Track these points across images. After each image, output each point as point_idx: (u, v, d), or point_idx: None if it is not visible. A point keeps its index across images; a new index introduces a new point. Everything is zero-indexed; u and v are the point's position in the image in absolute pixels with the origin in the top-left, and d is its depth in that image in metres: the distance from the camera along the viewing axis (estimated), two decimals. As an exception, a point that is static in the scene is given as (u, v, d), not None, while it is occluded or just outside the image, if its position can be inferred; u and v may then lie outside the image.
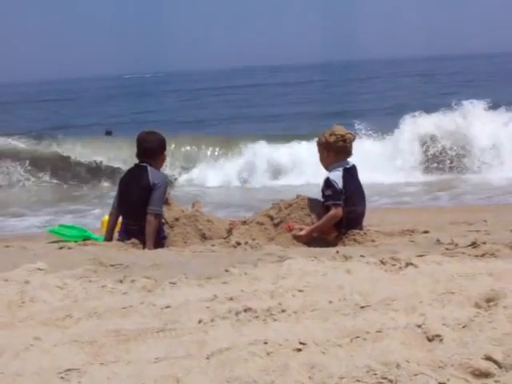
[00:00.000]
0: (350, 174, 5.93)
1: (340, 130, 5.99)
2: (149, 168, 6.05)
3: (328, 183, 5.81)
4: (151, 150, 6.16)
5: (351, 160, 6.03)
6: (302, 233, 5.71)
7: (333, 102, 35.68)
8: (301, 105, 34.85)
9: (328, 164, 6.02)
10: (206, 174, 16.06)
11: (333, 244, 5.63)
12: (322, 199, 5.94)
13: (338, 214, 5.72)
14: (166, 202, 6.23)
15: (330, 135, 5.94)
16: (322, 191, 5.90)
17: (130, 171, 6.32)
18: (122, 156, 16.37)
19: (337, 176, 5.82)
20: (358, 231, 5.76)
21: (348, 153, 5.97)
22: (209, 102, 42.92)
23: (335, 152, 5.93)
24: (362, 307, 3.12)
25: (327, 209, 5.80)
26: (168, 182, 6.30)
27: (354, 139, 6.02)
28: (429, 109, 16.57)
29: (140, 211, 5.93)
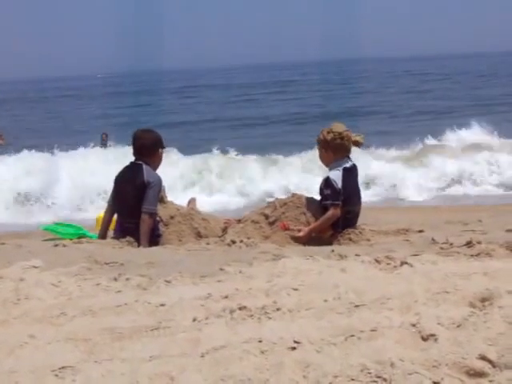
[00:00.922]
0: (350, 173, 5.91)
1: (338, 127, 5.95)
2: (144, 166, 6.04)
3: (328, 182, 5.79)
4: (146, 146, 6.15)
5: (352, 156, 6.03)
6: (301, 234, 5.71)
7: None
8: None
9: (328, 162, 6.00)
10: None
11: (328, 243, 5.64)
12: (319, 197, 5.94)
13: (336, 215, 5.71)
14: (161, 200, 6.23)
15: (328, 133, 5.91)
16: (321, 190, 5.89)
17: (125, 169, 6.31)
18: None
19: (337, 175, 5.80)
20: (353, 230, 5.76)
21: (347, 150, 5.93)
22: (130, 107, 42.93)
23: (333, 150, 5.90)
24: (357, 306, 3.12)
25: (325, 208, 5.79)
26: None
27: (361, 145, 6.00)
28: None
29: (135, 209, 5.92)
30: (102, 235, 6.26)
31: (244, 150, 18.28)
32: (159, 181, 6.08)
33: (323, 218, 5.74)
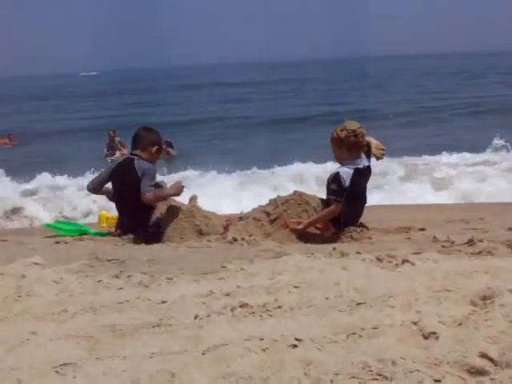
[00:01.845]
0: (361, 175, 5.89)
1: (351, 124, 5.94)
2: (136, 161, 6.05)
3: (336, 178, 5.78)
4: (141, 137, 6.18)
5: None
6: (299, 226, 5.72)
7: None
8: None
9: (341, 160, 5.97)
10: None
11: (330, 241, 5.63)
12: (325, 190, 5.94)
13: (336, 211, 5.72)
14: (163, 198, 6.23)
15: (342, 130, 5.89)
16: (328, 183, 5.88)
17: (119, 164, 6.31)
18: None
19: (347, 173, 5.78)
20: (354, 228, 5.76)
21: (361, 147, 5.90)
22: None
23: (347, 147, 5.87)
24: (358, 304, 3.12)
25: (328, 201, 5.80)
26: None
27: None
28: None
29: (134, 205, 5.94)
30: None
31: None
32: (151, 167, 6.08)
33: (323, 212, 5.77)
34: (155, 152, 6.26)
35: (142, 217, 6.01)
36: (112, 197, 6.37)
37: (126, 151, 20.01)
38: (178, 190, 6.21)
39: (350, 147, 5.86)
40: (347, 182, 5.74)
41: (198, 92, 53.67)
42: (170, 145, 19.73)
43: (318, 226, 5.84)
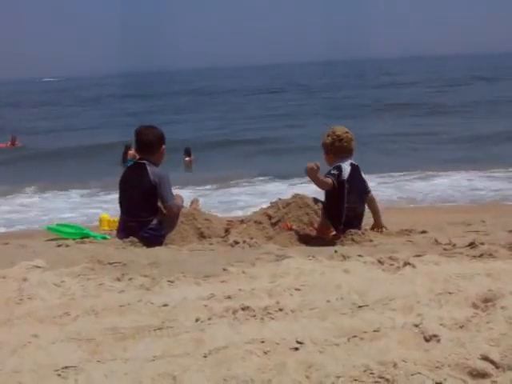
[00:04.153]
0: (355, 170, 5.96)
1: (338, 130, 6.03)
2: (147, 166, 6.04)
3: (338, 166, 5.87)
4: (149, 142, 6.15)
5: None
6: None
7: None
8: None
9: (330, 164, 6.03)
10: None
11: (331, 243, 5.64)
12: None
13: (330, 184, 5.73)
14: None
15: (328, 136, 6.02)
16: (329, 171, 5.93)
17: (129, 170, 6.33)
18: None
19: (346, 167, 5.88)
20: (356, 231, 5.76)
21: (347, 152, 5.97)
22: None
23: (334, 153, 5.98)
24: (360, 307, 3.13)
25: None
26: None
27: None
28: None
29: (140, 209, 5.95)
30: None
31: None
32: (166, 175, 6.10)
33: (320, 181, 5.73)
34: (163, 150, 6.28)
35: (147, 220, 6.02)
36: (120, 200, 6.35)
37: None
38: (182, 200, 6.38)
39: (336, 152, 5.98)
40: (346, 175, 5.80)
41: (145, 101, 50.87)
42: (188, 152, 19.47)
43: (314, 227, 5.86)
